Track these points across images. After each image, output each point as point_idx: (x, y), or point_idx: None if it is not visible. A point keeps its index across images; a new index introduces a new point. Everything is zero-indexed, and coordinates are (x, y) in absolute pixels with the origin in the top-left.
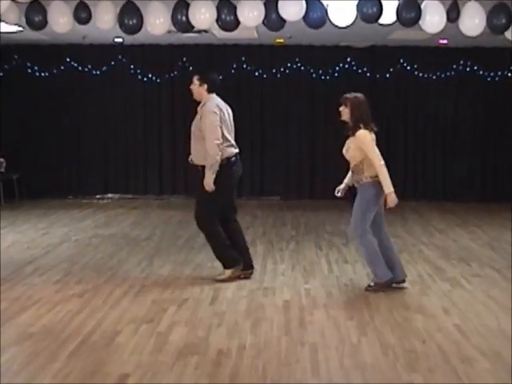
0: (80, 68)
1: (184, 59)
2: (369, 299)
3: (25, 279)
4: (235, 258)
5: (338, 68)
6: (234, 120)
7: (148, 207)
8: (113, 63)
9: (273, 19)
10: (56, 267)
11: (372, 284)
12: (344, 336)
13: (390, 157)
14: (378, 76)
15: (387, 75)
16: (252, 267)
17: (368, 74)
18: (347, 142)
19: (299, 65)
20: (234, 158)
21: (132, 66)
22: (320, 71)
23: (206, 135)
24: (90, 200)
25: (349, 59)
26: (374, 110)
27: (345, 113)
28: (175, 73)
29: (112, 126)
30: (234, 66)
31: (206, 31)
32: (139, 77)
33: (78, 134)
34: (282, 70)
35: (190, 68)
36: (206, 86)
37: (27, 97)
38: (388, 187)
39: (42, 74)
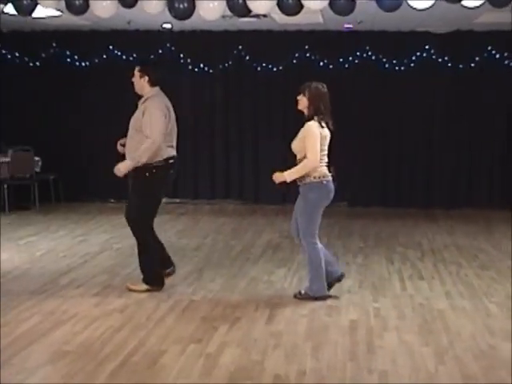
0: (124, 57)
1: (240, 47)
2: (448, 322)
3: (60, 291)
4: (159, 278)
5: (414, 57)
6: (292, 117)
7: (198, 213)
8: (160, 52)
9: (340, 2)
10: (95, 279)
11: (302, 292)
12: (418, 364)
13: (475, 161)
14: (461, 66)
15: (472, 65)
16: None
17: (449, 64)
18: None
19: (370, 54)
20: (172, 161)
21: (181, 55)
22: (394, 61)
23: (148, 133)
24: None
25: (427, 47)
26: (456, 104)
27: (302, 102)
28: (230, 63)
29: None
30: (296, 55)
31: (264, 16)
32: (189, 67)
33: (121, 130)
34: (350, 59)
35: (247, 57)
36: (147, 78)
37: (66, 89)
38: (289, 176)
39: (83, 64)
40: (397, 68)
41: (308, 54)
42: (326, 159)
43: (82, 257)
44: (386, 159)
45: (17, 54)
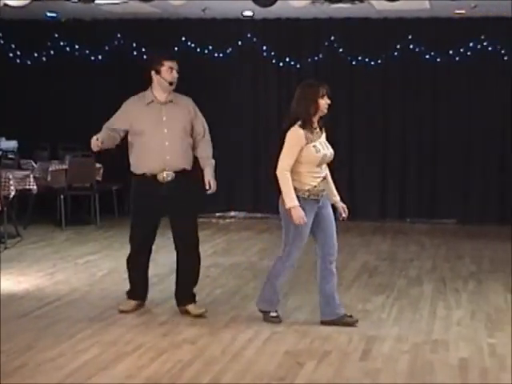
0: (199, 49)
1: (332, 38)
2: None
3: (123, 319)
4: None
5: None
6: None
7: (281, 230)
8: (240, 43)
9: None
10: (163, 304)
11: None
12: None
13: None
14: None
15: None
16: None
17: None
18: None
19: (485, 44)
20: None
21: (265, 48)
22: None
23: (204, 130)
24: (208, 219)
25: None
26: None
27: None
28: (320, 56)
29: (238, 123)
30: (398, 46)
31: (361, 1)
32: (273, 61)
33: None
34: (461, 51)
35: (340, 50)
36: None
37: (132, 85)
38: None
39: None
40: None
41: (412, 46)
42: None
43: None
44: (505, 168)
45: (76, 46)
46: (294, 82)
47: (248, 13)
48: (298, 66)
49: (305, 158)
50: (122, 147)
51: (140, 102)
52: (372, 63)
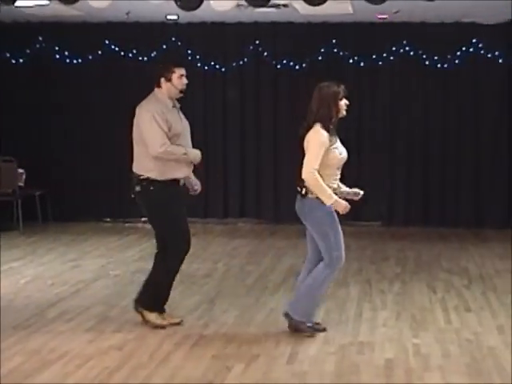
0: (123, 53)
1: (256, 42)
2: (500, 361)
3: (47, 326)
4: None
5: (459, 53)
6: None
7: (208, 234)
8: (165, 47)
9: None
10: (89, 311)
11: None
12: None
13: None
14: None
15: None
16: None
17: (500, 61)
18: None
19: (408, 49)
20: None
21: (189, 51)
22: (435, 57)
23: None
24: (134, 224)
25: (474, 40)
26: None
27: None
28: (245, 60)
29: None
30: (322, 50)
31: (285, 5)
32: (198, 64)
33: (118, 139)
34: (384, 55)
35: (265, 53)
36: None
37: (54, 89)
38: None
39: (74, 61)
40: (439, 65)
41: (336, 50)
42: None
43: (73, 285)
44: (427, 170)
45: None
46: (219, 85)
47: (172, 16)
48: (223, 69)
49: (330, 161)
50: (46, 152)
51: (164, 105)
52: (297, 67)
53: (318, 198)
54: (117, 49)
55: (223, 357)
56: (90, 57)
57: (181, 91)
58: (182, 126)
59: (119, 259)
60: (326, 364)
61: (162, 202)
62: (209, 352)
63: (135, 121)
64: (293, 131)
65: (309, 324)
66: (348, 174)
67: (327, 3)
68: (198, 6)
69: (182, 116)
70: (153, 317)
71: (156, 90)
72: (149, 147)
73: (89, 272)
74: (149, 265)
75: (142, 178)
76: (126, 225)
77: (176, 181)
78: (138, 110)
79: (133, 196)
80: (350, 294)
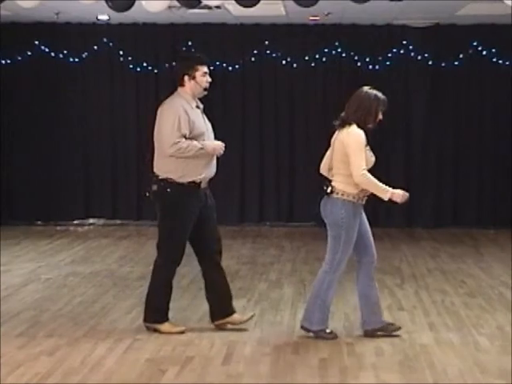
0: (53, 54)
1: (189, 43)
2: (432, 359)
3: None
4: None
5: (390, 54)
6: (248, 120)
7: (142, 236)
8: (96, 48)
9: None
10: (19, 315)
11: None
12: None
13: (461, 174)
14: (443, 64)
15: (455, 63)
16: None
17: (430, 62)
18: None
19: (339, 50)
20: None
21: (121, 53)
22: (367, 59)
23: None
24: (66, 227)
25: (405, 42)
26: (438, 108)
27: None
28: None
29: (95, 130)
30: (255, 51)
31: (217, 7)
32: (130, 66)
33: (50, 139)
34: (317, 57)
35: (197, 55)
36: None
37: None
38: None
39: (3, 62)
40: (370, 67)
41: (268, 51)
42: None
43: (3, 290)
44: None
45: None
46: (151, 87)
47: (103, 17)
48: (156, 71)
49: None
50: None
51: (186, 105)
52: (230, 68)
53: (343, 198)
54: (47, 49)
55: (157, 360)
56: (19, 58)
57: (205, 89)
58: (205, 126)
59: (50, 263)
60: (261, 365)
61: (173, 208)
62: (142, 355)
63: (156, 120)
64: (228, 130)
65: (328, 330)
66: (283, 178)
67: (259, 5)
68: (130, 6)
69: (205, 117)
70: (167, 327)
71: (179, 88)
72: (163, 147)
73: (19, 276)
74: (81, 268)
75: (160, 177)
76: (57, 228)
77: (196, 184)
78: (160, 110)
79: (147, 194)
80: (285, 294)
